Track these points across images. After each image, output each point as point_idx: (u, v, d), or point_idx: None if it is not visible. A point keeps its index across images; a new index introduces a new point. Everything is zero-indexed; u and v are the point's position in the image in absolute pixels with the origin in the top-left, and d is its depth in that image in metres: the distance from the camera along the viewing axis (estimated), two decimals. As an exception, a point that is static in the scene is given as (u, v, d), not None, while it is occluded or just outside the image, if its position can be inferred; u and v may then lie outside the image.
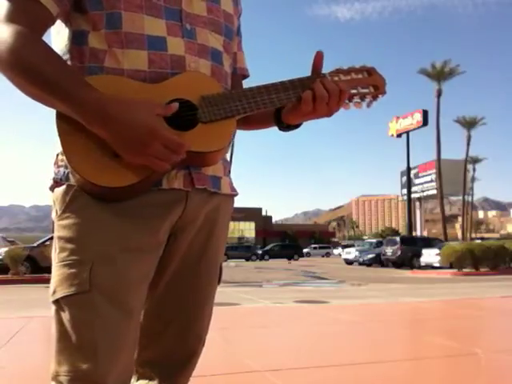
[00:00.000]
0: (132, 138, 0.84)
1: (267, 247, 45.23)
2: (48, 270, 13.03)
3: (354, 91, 1.06)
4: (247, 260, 36.82)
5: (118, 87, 0.90)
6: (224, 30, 1.08)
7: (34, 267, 13.15)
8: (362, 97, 1.07)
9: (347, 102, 1.07)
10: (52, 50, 0.91)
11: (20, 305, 7.21)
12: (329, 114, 1.04)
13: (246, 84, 1.24)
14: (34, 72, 0.84)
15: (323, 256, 52.89)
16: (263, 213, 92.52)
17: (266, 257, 39.92)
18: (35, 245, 13.99)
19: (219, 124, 0.96)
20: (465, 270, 16.67)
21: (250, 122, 1.14)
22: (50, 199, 0.98)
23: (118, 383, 0.89)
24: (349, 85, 1.05)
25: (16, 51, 0.84)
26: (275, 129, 1.14)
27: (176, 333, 1.09)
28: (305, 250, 51.10)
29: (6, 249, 13.18)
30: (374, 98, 1.09)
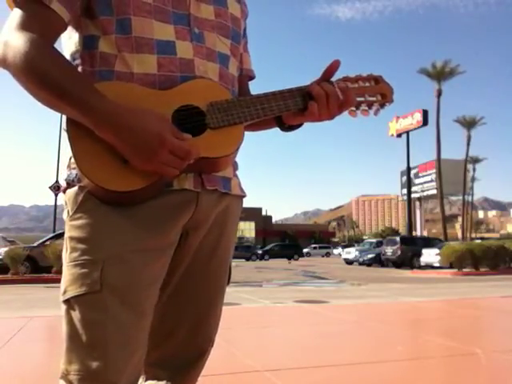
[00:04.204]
0: (142, 145, 0.86)
1: (267, 247, 45.21)
2: (48, 269, 12.98)
3: (361, 99, 1.08)
4: (247, 260, 36.78)
5: (127, 93, 0.91)
6: (231, 34, 1.09)
7: (34, 267, 13.11)
8: (369, 105, 1.10)
9: (354, 109, 1.09)
10: (63, 57, 0.92)
11: (20, 305, 7.21)
12: (330, 116, 1.06)
13: (250, 85, 1.24)
14: (46, 78, 0.85)
15: (323, 256, 52.93)
16: (263, 213, 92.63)
17: (266, 257, 39.90)
18: (35, 245, 13.94)
19: (227, 130, 0.97)
20: (465, 269, 16.67)
21: (253, 125, 1.15)
22: (62, 200, 0.99)
23: (127, 383, 0.89)
24: (355, 92, 1.07)
25: (29, 58, 0.85)
26: (276, 128, 1.15)
27: (185, 333, 1.09)
28: (305, 250, 51.15)
29: (5, 249, 13.15)
30: (381, 106, 1.11)
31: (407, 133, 36.46)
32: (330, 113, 1.05)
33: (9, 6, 0.94)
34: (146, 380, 1.12)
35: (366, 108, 1.10)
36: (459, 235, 71.63)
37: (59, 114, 0.91)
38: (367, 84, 1.10)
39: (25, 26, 0.88)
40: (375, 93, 1.10)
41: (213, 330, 1.14)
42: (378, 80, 1.11)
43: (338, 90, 1.04)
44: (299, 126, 1.11)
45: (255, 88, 1.23)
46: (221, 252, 1.08)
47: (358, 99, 1.08)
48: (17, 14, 0.90)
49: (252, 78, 1.24)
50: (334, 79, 1.07)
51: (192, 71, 0.98)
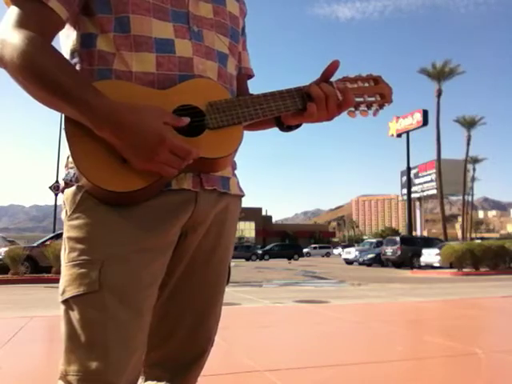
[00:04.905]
0: (141, 145, 0.85)
1: (267, 247, 45.21)
2: (48, 269, 12.94)
3: (360, 99, 1.07)
4: (247, 260, 36.79)
5: (125, 93, 0.91)
6: (230, 32, 1.08)
7: (34, 267, 13.12)
8: (369, 105, 1.09)
9: (353, 110, 1.08)
10: (61, 54, 0.91)
11: (20, 305, 7.21)
12: (328, 117, 1.05)
13: (249, 84, 1.24)
14: (44, 76, 0.84)
15: (323, 256, 53.00)
16: (263, 213, 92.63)
17: (266, 257, 39.92)
18: (35, 245, 13.94)
19: (226, 130, 0.96)
20: (465, 269, 16.69)
21: (252, 124, 1.14)
22: (61, 200, 0.98)
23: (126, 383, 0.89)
24: (354, 93, 1.06)
25: (27, 56, 0.84)
26: (275, 128, 1.15)
27: (185, 333, 1.09)
28: (305, 250, 51.17)
29: (5, 249, 13.14)
30: (381, 106, 1.10)
31: (407, 133, 36.46)
32: (329, 114, 1.04)
33: (5, 3, 0.93)
34: (146, 380, 1.11)
35: (365, 108, 1.09)
36: (459, 235, 71.59)
37: (60, 113, 0.91)
38: (366, 84, 1.09)
39: (22, 24, 0.88)
40: (374, 93, 1.09)
41: (212, 330, 1.13)
42: (377, 80, 1.10)
43: (337, 90, 1.03)
44: (298, 126, 1.11)
45: (254, 88, 1.23)
46: (220, 252, 1.08)
47: (357, 100, 1.07)
48: (14, 11, 0.89)
49: (251, 76, 1.24)
50: (333, 79, 1.06)
51: (191, 70, 0.98)
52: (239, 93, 1.14)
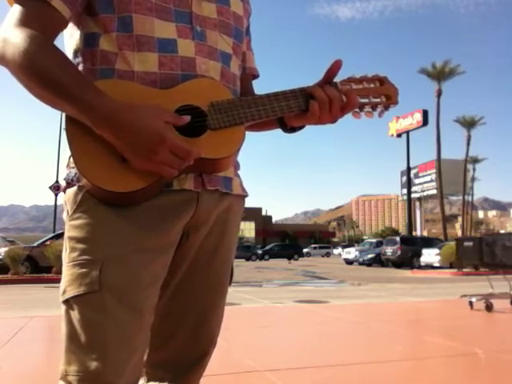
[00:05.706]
0: (141, 144, 0.85)
1: (267, 247, 45.23)
2: (48, 269, 12.92)
3: (365, 100, 1.06)
4: (247, 260, 36.80)
5: (127, 92, 0.91)
6: (234, 32, 1.08)
7: (34, 267, 13.12)
8: (374, 106, 1.07)
9: (358, 111, 1.06)
10: (63, 54, 0.91)
11: (20, 305, 7.21)
12: (332, 120, 1.04)
13: (254, 84, 1.23)
14: (46, 75, 0.84)
15: (323, 256, 53.03)
16: (263, 213, 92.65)
17: (266, 257, 39.94)
18: (35, 245, 13.94)
19: (228, 131, 0.95)
20: (465, 269, 16.68)
21: (254, 125, 1.13)
22: (62, 200, 0.98)
23: None
24: (359, 93, 1.05)
25: (29, 55, 0.84)
26: (276, 128, 1.14)
27: (187, 334, 1.09)
28: (305, 250, 51.22)
29: (6, 249, 13.13)
30: (386, 107, 1.08)
31: (407, 133, 36.44)
32: (333, 116, 1.03)
33: (9, 2, 0.93)
34: (148, 381, 1.11)
35: (370, 109, 1.07)
36: (459, 235, 71.62)
37: (60, 113, 0.91)
38: (372, 85, 1.07)
39: (25, 22, 0.88)
40: (380, 94, 1.07)
41: (215, 331, 1.13)
42: (382, 81, 1.08)
43: (341, 93, 1.02)
44: (301, 127, 1.10)
45: (255, 88, 1.22)
46: (223, 252, 1.08)
47: (362, 101, 1.05)
48: (16, 10, 0.89)
49: (256, 76, 1.23)
50: (338, 78, 1.05)
51: (193, 69, 0.97)
52: (244, 93, 1.13)
